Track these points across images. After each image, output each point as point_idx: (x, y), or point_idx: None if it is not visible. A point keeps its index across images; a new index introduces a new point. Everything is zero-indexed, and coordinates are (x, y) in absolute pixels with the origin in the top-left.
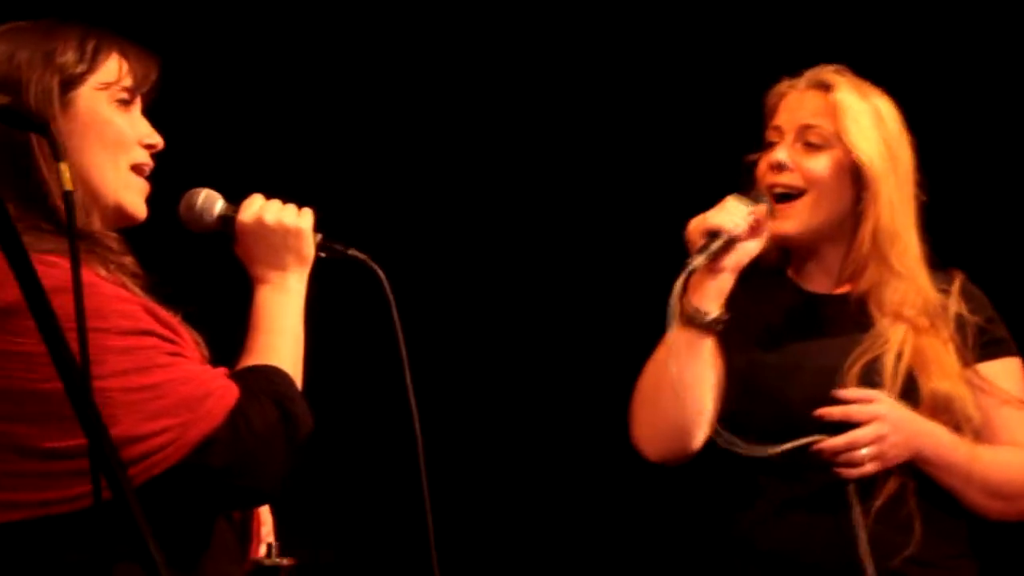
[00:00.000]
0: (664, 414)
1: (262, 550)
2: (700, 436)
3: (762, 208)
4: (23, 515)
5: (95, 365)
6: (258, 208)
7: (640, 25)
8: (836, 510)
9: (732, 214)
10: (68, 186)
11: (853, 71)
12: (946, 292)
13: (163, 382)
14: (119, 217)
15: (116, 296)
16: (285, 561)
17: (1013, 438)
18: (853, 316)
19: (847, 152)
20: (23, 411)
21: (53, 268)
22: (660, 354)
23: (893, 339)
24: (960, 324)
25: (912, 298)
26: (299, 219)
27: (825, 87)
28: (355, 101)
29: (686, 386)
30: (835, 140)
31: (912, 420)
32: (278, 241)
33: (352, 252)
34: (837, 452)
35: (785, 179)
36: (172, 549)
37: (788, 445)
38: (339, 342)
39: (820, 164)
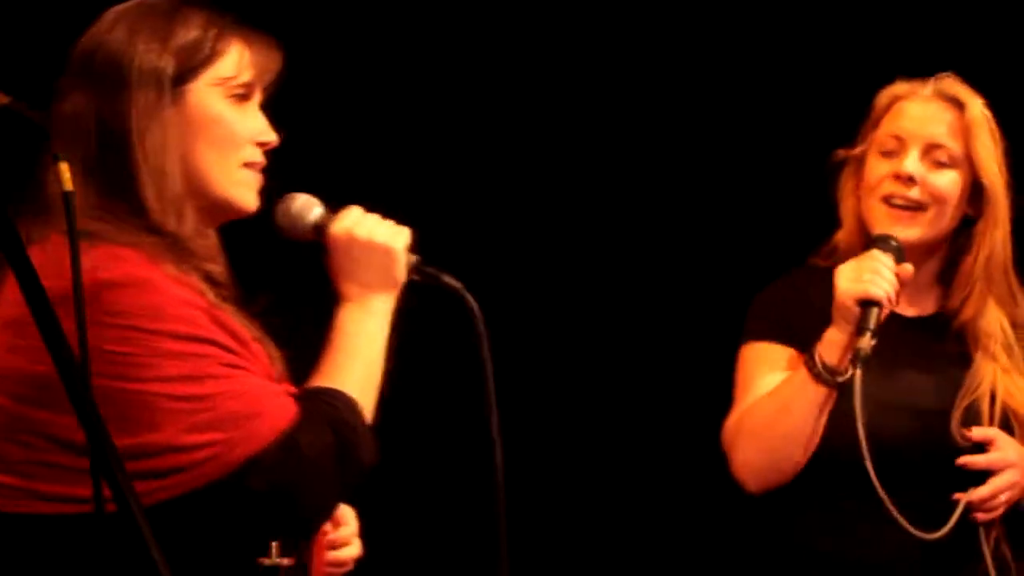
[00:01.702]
0: (779, 456)
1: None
2: (799, 470)
3: (905, 267)
4: (53, 509)
5: (144, 368)
6: (352, 221)
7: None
8: (962, 556)
9: (886, 279)
10: (67, 186)
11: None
12: None
13: (213, 394)
14: (228, 211)
15: (179, 299)
16: (285, 561)
17: None
18: (948, 344)
19: (970, 173)
20: (48, 397)
21: (120, 262)
22: (778, 400)
23: (985, 380)
24: None
25: (997, 330)
26: (393, 237)
27: (957, 104)
28: (469, 117)
29: (810, 435)
30: (962, 161)
31: None
32: (367, 258)
33: (446, 280)
34: (984, 502)
35: (912, 193)
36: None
37: (952, 523)
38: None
39: (947, 183)
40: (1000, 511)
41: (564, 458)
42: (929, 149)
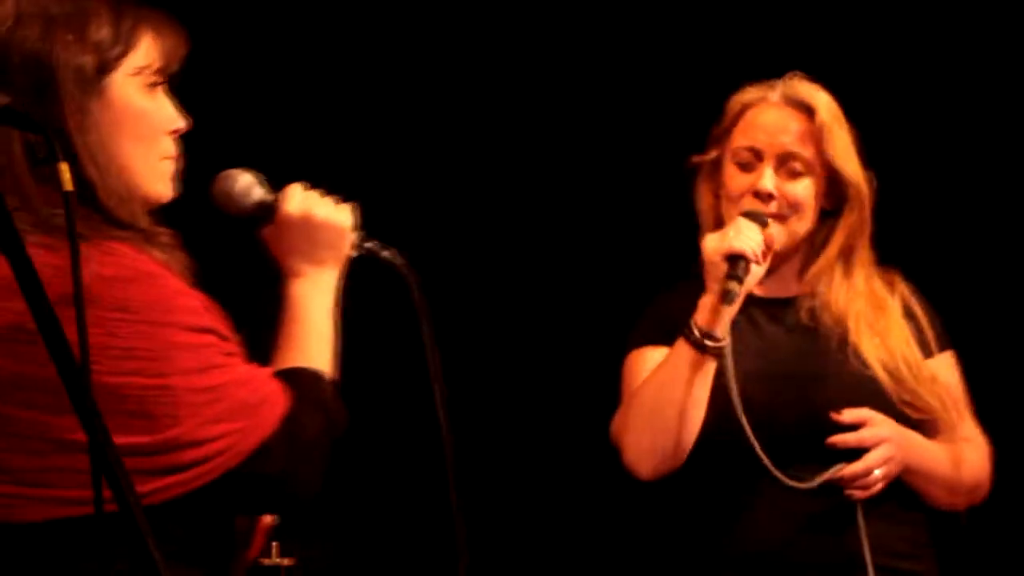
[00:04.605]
0: (666, 435)
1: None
2: (688, 451)
3: (771, 232)
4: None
5: (161, 362)
6: (305, 200)
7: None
8: (840, 524)
9: (751, 238)
10: (68, 187)
11: (807, 75)
12: (891, 290)
13: (222, 384)
14: (146, 203)
15: (180, 289)
16: (285, 561)
17: (964, 434)
18: (813, 321)
19: (823, 174)
20: (61, 402)
21: (118, 256)
22: (660, 377)
23: (865, 348)
24: (909, 319)
25: (864, 306)
26: (345, 216)
27: (805, 108)
28: (372, 91)
29: (691, 407)
30: (815, 165)
31: (904, 435)
32: (322, 237)
33: (387, 254)
34: (857, 477)
35: (771, 208)
36: (196, 550)
37: (823, 477)
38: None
39: (803, 191)
40: (878, 487)
41: (504, 434)
42: (784, 160)
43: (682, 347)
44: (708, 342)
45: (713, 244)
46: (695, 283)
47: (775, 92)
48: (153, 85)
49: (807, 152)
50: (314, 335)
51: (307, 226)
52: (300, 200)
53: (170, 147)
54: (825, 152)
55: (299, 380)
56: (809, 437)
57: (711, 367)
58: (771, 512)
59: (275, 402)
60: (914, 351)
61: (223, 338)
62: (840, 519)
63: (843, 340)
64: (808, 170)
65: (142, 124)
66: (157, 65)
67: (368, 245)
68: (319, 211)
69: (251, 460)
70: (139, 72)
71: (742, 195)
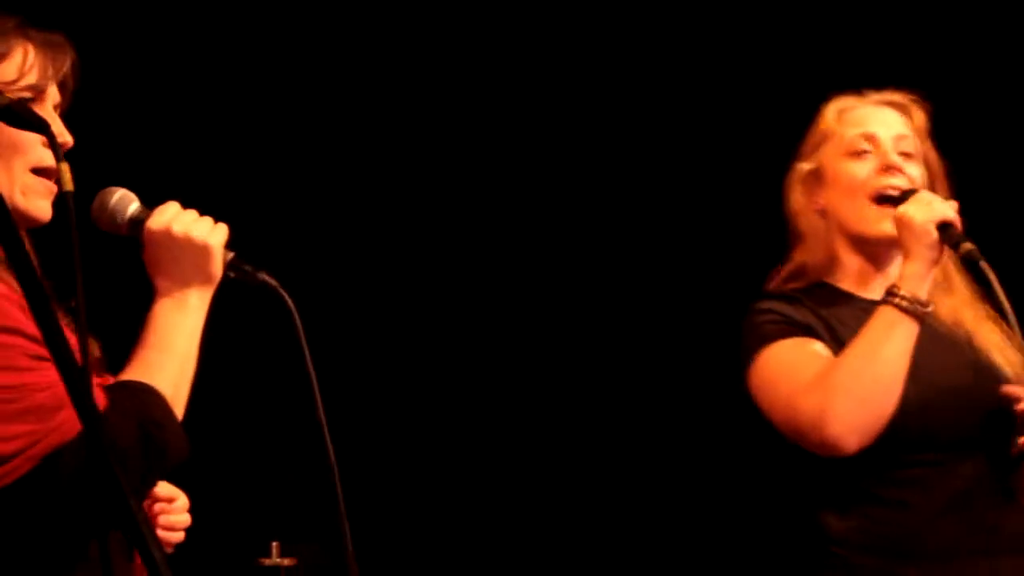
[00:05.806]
0: (885, 404)
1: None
2: None
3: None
4: None
5: None
6: (169, 217)
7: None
8: (1001, 503)
9: (946, 204)
10: (68, 187)
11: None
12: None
13: (20, 385)
14: (20, 220)
15: None
16: (285, 561)
17: None
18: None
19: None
20: None
21: None
22: (868, 345)
23: (986, 346)
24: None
25: (958, 300)
26: (210, 234)
27: (904, 109)
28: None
29: (901, 375)
30: (920, 157)
31: None
32: (184, 255)
33: (263, 277)
34: None
35: (901, 181)
36: (37, 559)
37: None
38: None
39: (918, 174)
40: None
41: (385, 451)
42: (897, 143)
43: (892, 317)
44: (920, 307)
45: (923, 215)
46: (790, 295)
47: (869, 99)
48: (28, 99)
49: (916, 140)
50: (167, 355)
51: (168, 242)
52: (165, 217)
53: (43, 159)
54: (925, 147)
55: (121, 392)
56: (963, 427)
57: (916, 334)
58: (931, 494)
59: None
60: (1012, 352)
61: (35, 341)
62: (998, 498)
63: (968, 338)
64: (917, 157)
65: (2, 137)
66: (31, 80)
67: (243, 267)
68: (179, 227)
69: (46, 465)
70: (5, 87)
71: (866, 179)
